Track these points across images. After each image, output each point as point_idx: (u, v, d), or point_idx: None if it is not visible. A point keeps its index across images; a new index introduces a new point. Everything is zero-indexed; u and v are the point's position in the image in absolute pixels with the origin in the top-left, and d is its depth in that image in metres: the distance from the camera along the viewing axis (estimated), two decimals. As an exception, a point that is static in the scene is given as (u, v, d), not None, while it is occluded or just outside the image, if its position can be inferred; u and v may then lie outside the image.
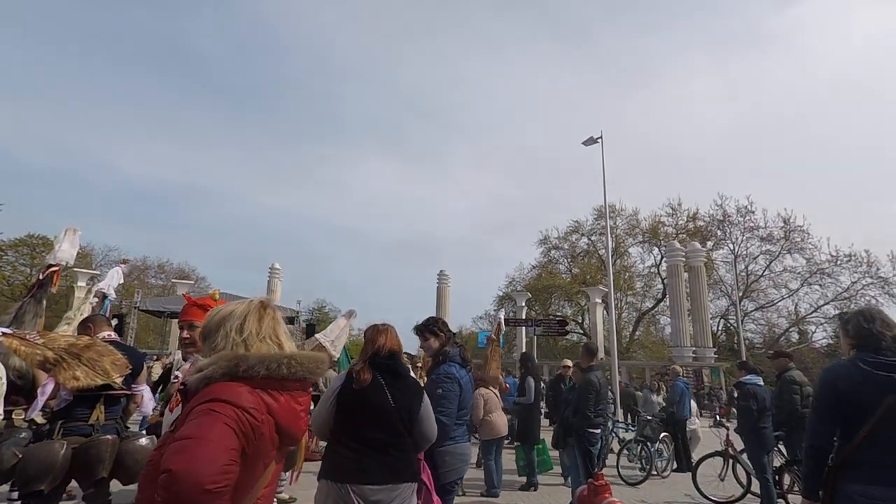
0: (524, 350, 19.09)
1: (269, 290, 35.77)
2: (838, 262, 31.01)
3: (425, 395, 2.55)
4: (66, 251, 5.01)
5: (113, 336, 3.98)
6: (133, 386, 3.87)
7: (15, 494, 3.83)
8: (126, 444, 3.63)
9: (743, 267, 34.55)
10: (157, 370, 13.28)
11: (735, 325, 32.34)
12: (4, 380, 2.84)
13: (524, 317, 27.32)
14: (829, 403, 2.10)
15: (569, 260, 39.94)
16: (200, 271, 42.47)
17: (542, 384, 12.34)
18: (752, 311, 35.22)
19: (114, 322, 7.45)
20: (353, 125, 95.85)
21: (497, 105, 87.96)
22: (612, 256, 24.35)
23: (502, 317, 11.98)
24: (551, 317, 36.27)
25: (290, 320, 19.89)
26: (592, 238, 38.38)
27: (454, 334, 3.36)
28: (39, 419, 3.75)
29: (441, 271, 35.14)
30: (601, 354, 27.33)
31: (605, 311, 25.51)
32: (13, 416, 4.04)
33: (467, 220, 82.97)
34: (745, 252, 34.77)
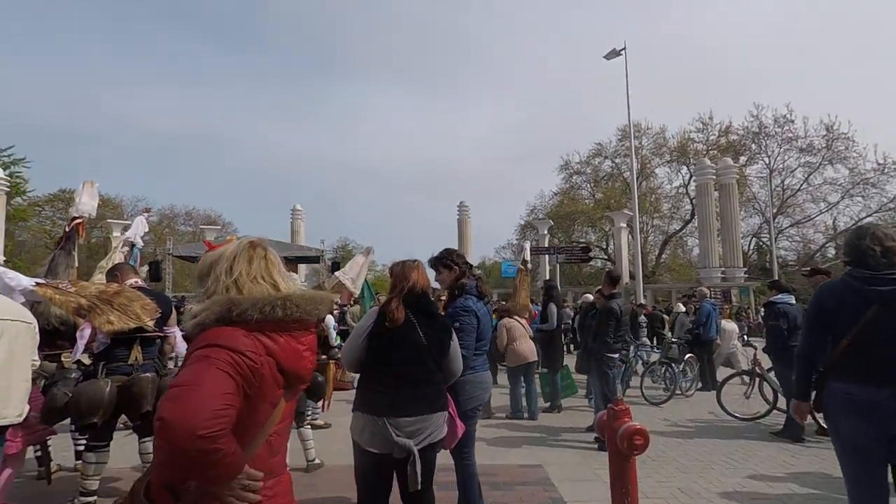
0: (547, 278, 19.17)
1: (293, 231, 36.44)
2: (885, 171, 29.16)
3: (454, 334, 2.61)
4: (86, 203, 5.08)
5: (139, 283, 4.10)
6: (165, 328, 4.04)
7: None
8: (165, 381, 3.84)
9: (779, 182, 33.05)
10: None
11: (767, 243, 31.57)
12: (36, 327, 2.95)
13: (546, 245, 27.21)
14: (814, 316, 2.43)
15: (591, 185, 38.95)
16: (226, 217, 43.34)
17: (567, 311, 12.50)
18: (786, 228, 34.14)
19: (144, 269, 7.73)
20: (363, 58, 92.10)
21: (512, 24, 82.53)
22: (636, 178, 23.57)
23: (528, 246, 11.78)
24: (574, 244, 36.09)
25: (315, 259, 20.33)
26: (616, 161, 37.05)
27: (470, 266, 3.29)
28: (86, 360, 3.99)
29: (461, 203, 34.88)
30: (626, 279, 27.36)
31: (630, 236, 25.11)
32: (62, 359, 4.32)
33: (486, 150, 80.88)
34: (781, 165, 33.12)
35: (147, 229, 6.74)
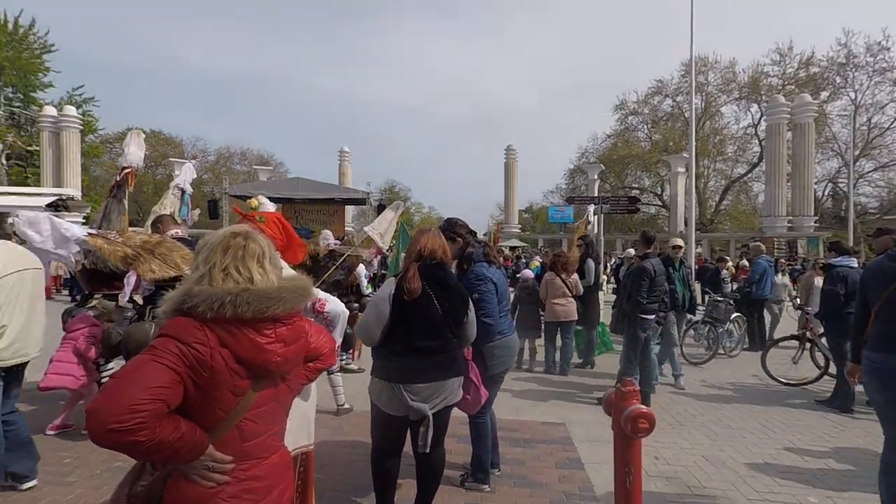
0: (594, 228, 18.56)
1: (340, 172, 36.86)
2: None
3: (471, 303, 2.62)
4: (134, 153, 5.27)
5: (180, 233, 4.29)
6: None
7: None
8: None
9: (864, 120, 29.60)
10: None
11: (845, 189, 28.84)
12: (44, 271, 3.22)
13: (596, 190, 26.15)
14: (859, 293, 3.01)
15: (649, 126, 36.45)
16: (278, 157, 44.46)
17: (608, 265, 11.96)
18: (868, 173, 30.94)
19: (197, 212, 8.09)
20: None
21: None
22: (698, 117, 21.71)
23: (591, 209, 10.85)
24: (626, 188, 34.43)
25: (362, 201, 20.57)
26: (678, 99, 34.22)
27: (474, 233, 3.21)
28: (139, 300, 4.30)
29: (508, 146, 33.80)
30: (681, 226, 26.06)
31: (688, 181, 23.64)
32: (118, 299, 4.70)
33: (536, 92, 76.91)
34: (869, 101, 29.50)
35: (195, 175, 6.98)
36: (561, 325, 6.27)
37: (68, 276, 9.56)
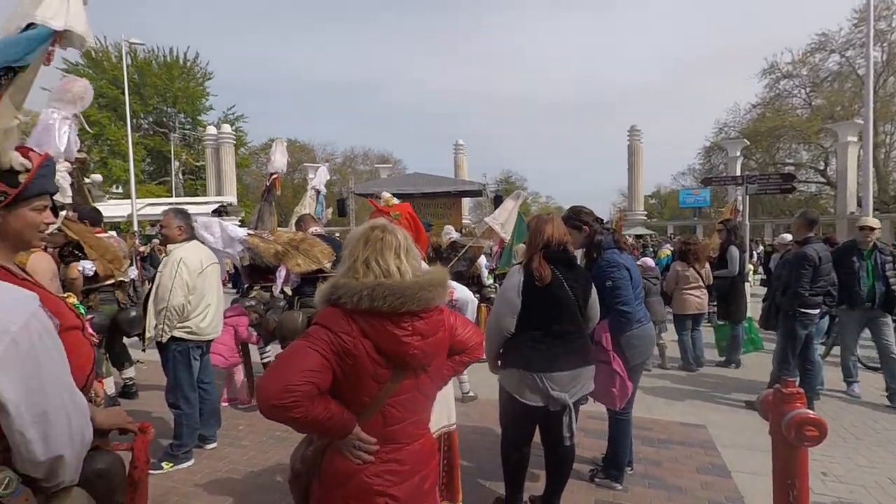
0: (739, 208, 16.55)
1: (456, 165, 37.59)
2: None
3: (592, 283, 2.61)
4: (278, 160, 5.96)
5: (319, 230, 4.75)
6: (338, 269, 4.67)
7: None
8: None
9: None
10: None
11: None
12: (217, 265, 3.75)
13: (738, 169, 23.25)
14: None
15: (807, 90, 31.15)
16: (396, 155, 46.84)
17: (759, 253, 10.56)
18: None
19: (329, 211, 8.95)
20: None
21: None
22: (877, 74, 18.05)
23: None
24: (776, 165, 30.10)
25: (478, 193, 20.82)
26: (848, 54, 28.68)
27: (601, 221, 3.04)
28: (289, 291, 4.86)
29: (632, 127, 31.46)
30: (851, 207, 22.06)
31: (862, 152, 19.86)
32: (272, 290, 5.35)
33: (661, 66, 70.41)
34: None
35: (328, 177, 7.66)
36: (693, 318, 5.79)
37: (232, 270, 11.10)
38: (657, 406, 4.52)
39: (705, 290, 5.80)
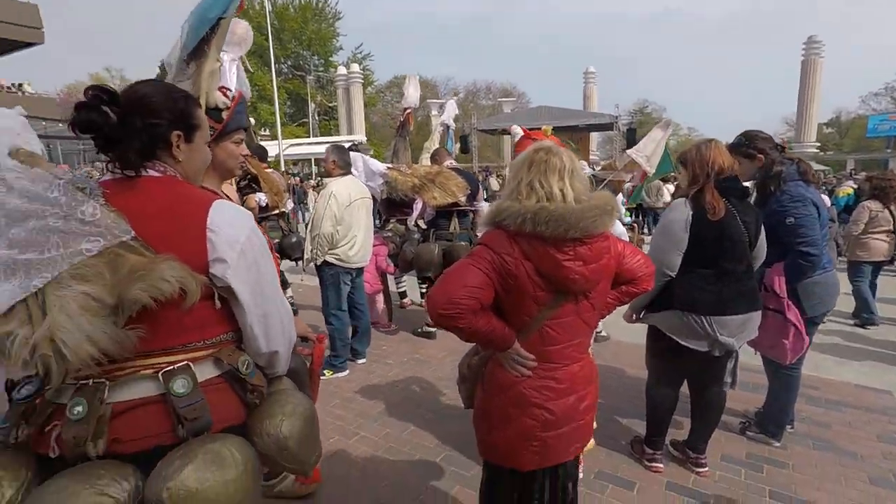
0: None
1: (585, 96, 35.00)
2: None
3: (762, 219, 2.33)
4: (412, 95, 6.02)
5: (454, 164, 4.79)
6: (474, 203, 4.70)
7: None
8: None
9: None
10: (495, 185, 15.60)
11: None
12: (370, 199, 4.00)
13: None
14: None
15: None
16: (520, 88, 44.91)
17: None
18: None
19: (456, 146, 8.96)
20: None
21: None
22: None
23: None
24: None
25: (609, 126, 19.29)
26: None
27: (781, 148, 2.56)
28: (422, 224, 5.08)
29: (810, 38, 26.17)
30: None
31: None
32: (407, 223, 5.63)
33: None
34: None
35: (457, 111, 7.60)
36: (879, 265, 5.07)
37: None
38: (825, 365, 3.99)
39: (893, 235, 4.98)
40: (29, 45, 21.23)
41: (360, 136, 24.71)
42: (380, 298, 5.13)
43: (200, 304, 1.05)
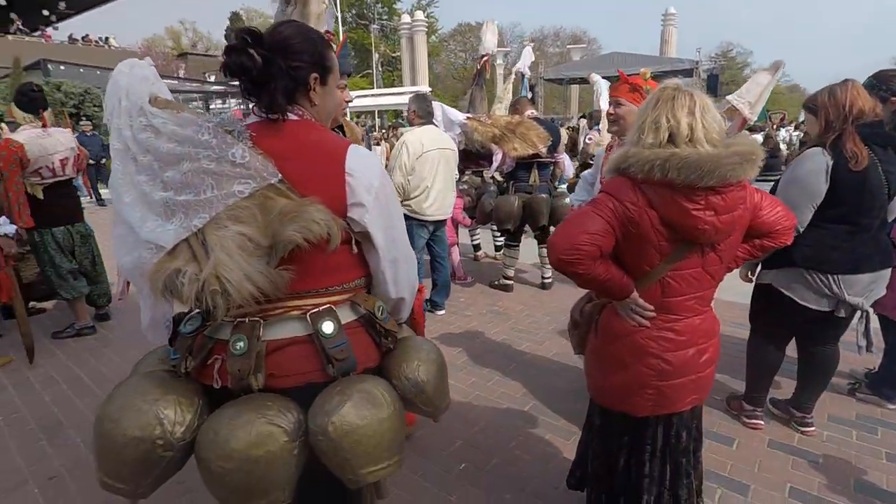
0: None
1: (662, 40, 32.15)
2: None
3: None
4: (489, 41, 5.79)
5: (535, 114, 4.59)
6: (555, 154, 4.53)
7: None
8: (555, 200, 4.46)
9: None
10: (564, 137, 14.97)
11: None
12: (456, 153, 3.89)
13: None
14: None
15: None
16: (591, 33, 41.99)
17: None
18: None
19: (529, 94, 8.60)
20: None
21: None
22: None
23: None
24: None
25: (688, 73, 17.73)
26: None
27: None
28: (499, 177, 4.99)
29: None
30: None
31: None
32: (483, 175, 5.55)
33: None
34: None
35: (532, 59, 7.24)
36: None
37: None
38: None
39: None
40: (110, -1, 21.96)
41: (424, 87, 24.33)
42: (456, 250, 5.16)
43: (339, 248, 1.08)
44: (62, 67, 15.70)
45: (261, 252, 0.98)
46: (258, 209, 1.00)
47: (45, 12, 20.47)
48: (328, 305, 1.10)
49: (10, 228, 2.93)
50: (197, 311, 1.12)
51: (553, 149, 4.42)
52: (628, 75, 2.23)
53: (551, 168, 4.63)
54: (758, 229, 1.45)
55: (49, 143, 3.34)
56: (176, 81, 20.05)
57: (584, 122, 6.98)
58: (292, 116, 1.11)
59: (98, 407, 1.05)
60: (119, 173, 1.14)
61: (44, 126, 3.38)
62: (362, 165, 1.11)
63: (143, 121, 1.17)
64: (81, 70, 15.97)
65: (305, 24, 1.20)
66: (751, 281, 2.37)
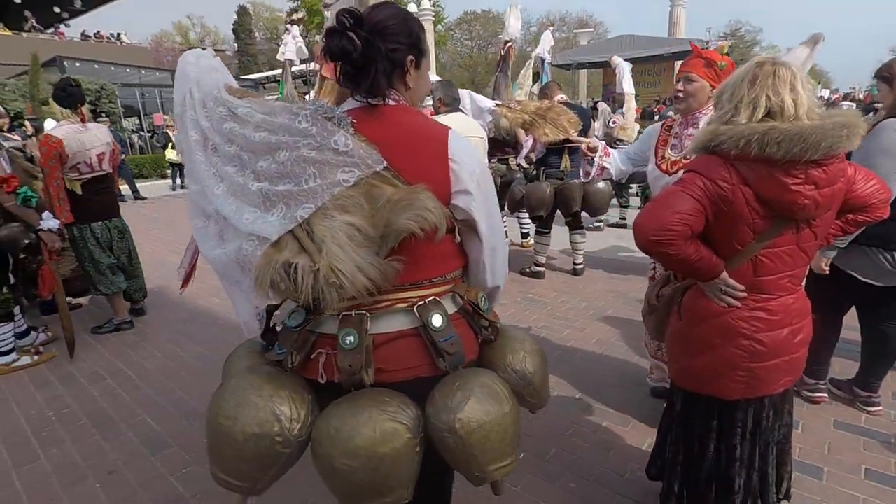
0: None
1: (671, 22, 31.52)
2: None
3: None
4: (514, 26, 5.69)
5: (564, 98, 4.52)
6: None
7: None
8: (588, 186, 4.39)
9: None
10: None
11: None
12: (486, 140, 3.81)
13: None
14: None
15: None
16: (597, 16, 41.33)
17: None
18: None
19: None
20: None
21: None
22: None
23: None
24: None
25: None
26: None
27: None
28: (525, 164, 4.93)
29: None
30: None
31: None
32: (509, 162, 5.48)
33: None
34: None
35: (552, 43, 7.13)
36: None
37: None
38: None
39: None
40: (121, -7, 21.89)
41: (433, 76, 24.15)
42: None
43: (444, 237, 1.04)
44: (77, 64, 15.76)
45: (369, 242, 0.94)
46: (364, 198, 0.96)
47: (57, 9, 20.55)
48: (433, 297, 1.07)
49: (55, 223, 2.93)
50: (297, 304, 1.08)
51: (584, 133, 4.35)
52: (701, 48, 2.10)
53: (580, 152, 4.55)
54: (852, 203, 1.39)
55: (87, 137, 3.33)
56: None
57: (603, 105, 6.85)
58: (390, 101, 1.07)
59: (212, 402, 1.03)
60: (203, 165, 1.11)
61: (82, 121, 3.37)
62: (464, 151, 1.07)
63: (222, 110, 1.14)
64: (96, 66, 16.04)
65: (397, 5, 1.15)
66: (825, 271, 2.27)
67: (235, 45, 37.93)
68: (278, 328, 1.19)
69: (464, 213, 1.07)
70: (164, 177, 13.49)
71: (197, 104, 1.18)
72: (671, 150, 2.14)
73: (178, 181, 11.81)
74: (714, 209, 1.31)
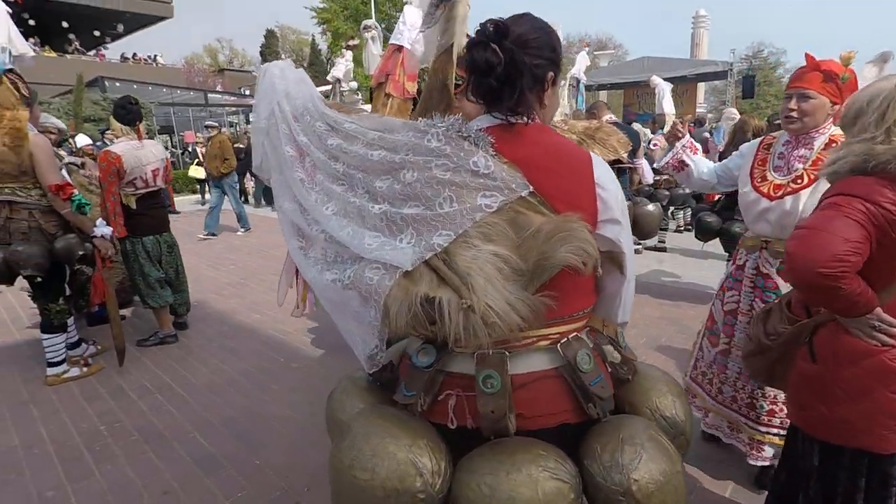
0: None
1: (693, 43, 31.54)
2: None
3: None
4: (578, 68, 5.67)
5: (613, 118, 4.46)
6: (634, 160, 4.38)
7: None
8: (638, 208, 4.30)
9: None
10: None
11: None
12: None
13: None
14: None
15: None
16: (617, 38, 41.58)
17: None
18: None
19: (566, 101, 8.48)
20: None
21: None
22: None
23: None
24: None
25: (722, 75, 17.28)
26: None
27: None
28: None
29: None
30: None
31: None
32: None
33: None
34: None
35: (588, 63, 7.11)
36: None
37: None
38: None
39: None
40: (160, 19, 23.15)
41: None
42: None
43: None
44: (118, 84, 16.44)
45: (517, 276, 0.86)
46: (509, 225, 0.88)
47: (97, 33, 21.59)
48: (575, 334, 0.98)
49: (108, 230, 2.95)
50: (425, 341, 0.99)
51: (633, 153, 4.28)
52: (818, 61, 1.81)
53: (628, 173, 4.48)
54: None
55: (143, 154, 3.38)
56: (219, 95, 20.75)
57: (637, 126, 6.79)
58: (531, 120, 1.00)
59: (339, 451, 0.93)
60: (305, 182, 1.05)
61: (139, 138, 3.42)
62: (609, 177, 1.00)
63: (321, 126, 1.08)
64: (135, 86, 16.67)
65: (539, 18, 1.09)
66: None
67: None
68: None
69: (609, 244, 0.99)
70: (194, 192, 13.77)
71: (289, 117, 1.13)
72: (774, 172, 1.91)
73: (205, 196, 12.02)
74: (879, 236, 1.19)
